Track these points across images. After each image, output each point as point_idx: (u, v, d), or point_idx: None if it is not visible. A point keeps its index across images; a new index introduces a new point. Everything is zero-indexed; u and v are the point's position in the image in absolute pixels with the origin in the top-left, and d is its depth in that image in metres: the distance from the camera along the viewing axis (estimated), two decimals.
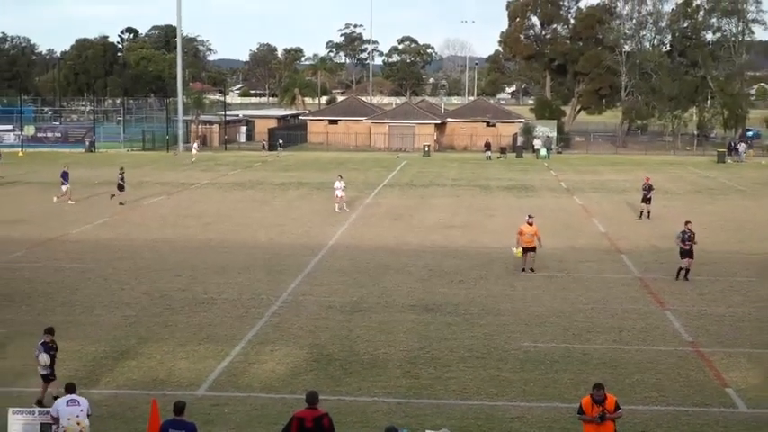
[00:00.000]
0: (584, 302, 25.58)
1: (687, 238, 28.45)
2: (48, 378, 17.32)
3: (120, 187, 45.74)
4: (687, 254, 28.38)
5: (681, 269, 28.50)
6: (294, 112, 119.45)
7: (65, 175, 46.24)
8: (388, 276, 28.85)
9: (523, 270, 29.18)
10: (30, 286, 27.07)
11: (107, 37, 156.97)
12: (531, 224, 29.55)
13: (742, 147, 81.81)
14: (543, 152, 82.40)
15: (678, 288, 27.50)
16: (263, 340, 21.70)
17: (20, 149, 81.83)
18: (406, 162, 74.95)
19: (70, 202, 45.43)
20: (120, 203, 44.95)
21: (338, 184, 44.66)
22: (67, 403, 14.26)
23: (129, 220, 40.45)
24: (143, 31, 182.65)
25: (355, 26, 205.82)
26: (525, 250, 29.21)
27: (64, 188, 46.02)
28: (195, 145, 79.04)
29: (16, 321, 23.19)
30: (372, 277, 28.66)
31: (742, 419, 16.93)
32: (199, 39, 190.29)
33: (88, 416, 14.37)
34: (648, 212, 41.66)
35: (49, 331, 17.55)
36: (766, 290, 27.32)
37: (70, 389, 14.62)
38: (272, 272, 29.39)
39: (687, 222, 29.35)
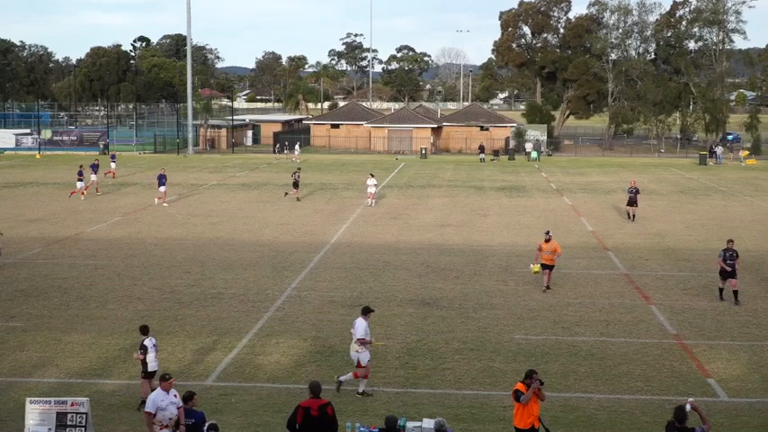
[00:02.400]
0: (572, 297, 25.54)
1: (729, 257, 25.19)
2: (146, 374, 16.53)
3: (296, 184, 47.78)
4: (730, 274, 25.12)
5: (721, 290, 25.45)
6: (298, 116, 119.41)
7: (161, 178, 45.64)
8: (387, 272, 28.80)
9: (546, 290, 26.14)
10: (46, 282, 27.03)
11: (120, 45, 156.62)
12: (548, 240, 26.37)
13: (719, 150, 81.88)
14: (534, 155, 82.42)
15: (662, 284, 27.46)
16: (268, 333, 21.66)
17: (37, 152, 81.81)
18: (404, 164, 74.87)
19: (164, 204, 44.95)
20: (298, 199, 47.33)
21: (370, 182, 46.45)
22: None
23: (141, 220, 40.38)
24: (155, 39, 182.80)
25: (356, 35, 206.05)
26: (544, 266, 26.24)
27: (162, 189, 45.46)
28: (297, 146, 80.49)
29: (33, 315, 23.15)
30: (372, 273, 28.61)
31: (723, 408, 16.91)
32: (208, 47, 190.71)
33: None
34: (633, 215, 40.84)
35: (141, 330, 16.80)
36: (745, 285, 27.26)
37: (163, 377, 13.95)
38: (276, 268, 29.34)
39: (730, 241, 26.03)
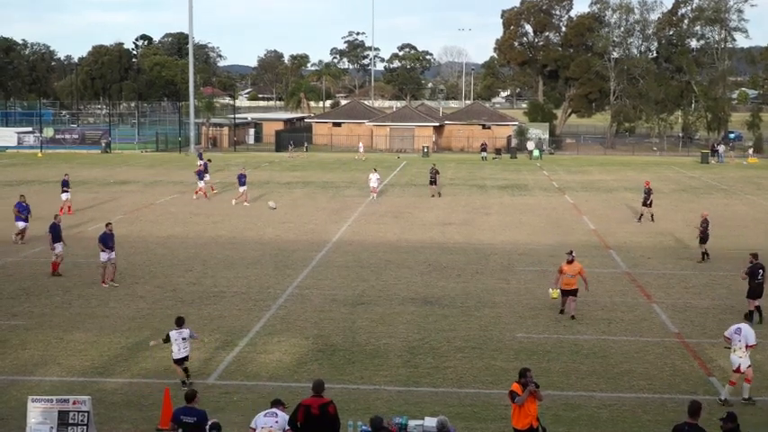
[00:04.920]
0: None
1: (752, 273, 22.59)
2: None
3: (433, 181, 49.46)
4: (754, 293, 22.56)
5: (751, 312, 22.67)
6: (300, 115, 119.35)
7: (241, 177, 45.39)
8: (388, 271, 28.77)
9: (561, 312, 23.19)
10: (48, 280, 27.03)
11: (122, 44, 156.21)
12: (571, 262, 23.09)
13: (721, 148, 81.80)
14: (536, 153, 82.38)
15: (664, 282, 27.43)
16: (270, 331, 21.65)
17: (39, 151, 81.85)
18: (406, 162, 74.86)
19: (246, 204, 44.64)
20: (438, 194, 49.21)
21: (373, 176, 47.70)
22: (265, 414, 13.28)
23: (142, 218, 40.38)
24: (156, 38, 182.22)
25: (358, 34, 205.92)
26: (565, 293, 23.04)
27: (241, 189, 45.21)
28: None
29: (35, 314, 23.15)
30: (374, 272, 28.59)
31: (725, 407, 16.85)
32: (210, 45, 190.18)
33: (284, 431, 13.14)
34: (652, 215, 40.05)
35: (176, 322, 17.58)
36: (747, 284, 27.19)
37: (275, 404, 13.51)
38: (278, 266, 29.32)
39: (754, 255, 23.10)
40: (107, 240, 26.46)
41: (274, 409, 13.36)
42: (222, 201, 46.71)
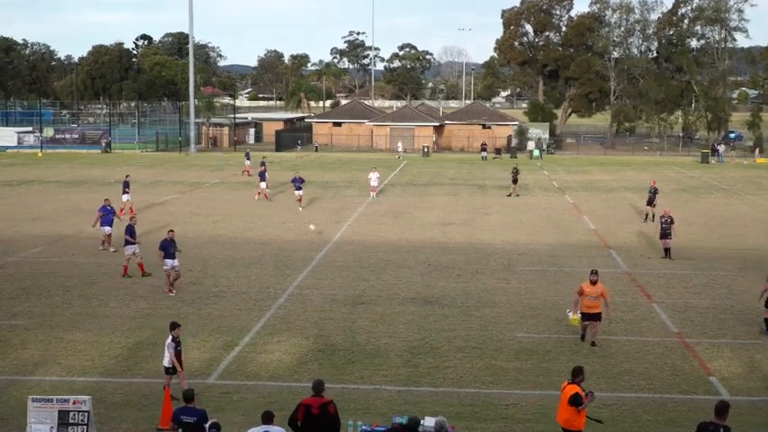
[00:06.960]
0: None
1: None
2: (168, 371, 16.64)
3: (515, 181, 50.43)
4: None
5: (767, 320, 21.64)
6: (300, 114, 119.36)
7: (296, 181, 44.69)
8: (389, 271, 28.77)
9: (583, 339, 20.72)
10: (48, 280, 27.02)
11: (122, 43, 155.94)
12: (595, 282, 20.43)
13: (722, 148, 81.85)
14: (536, 153, 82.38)
15: (665, 282, 27.42)
16: (270, 331, 21.64)
17: (39, 150, 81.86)
18: (406, 162, 74.84)
19: (300, 208, 43.74)
20: (515, 195, 49.58)
21: (373, 175, 47.76)
22: None
23: (143, 218, 40.31)
24: (157, 37, 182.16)
25: (358, 34, 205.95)
26: (586, 317, 20.39)
27: (297, 193, 44.38)
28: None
29: (36, 313, 23.14)
30: (374, 272, 28.58)
31: None
32: (210, 45, 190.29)
33: None
34: (653, 215, 39.77)
35: (171, 326, 16.79)
36: (748, 283, 27.21)
37: (266, 418, 12.79)
38: (278, 266, 29.32)
39: None
40: (168, 247, 25.35)
41: (268, 427, 12.68)
42: (270, 205, 46.69)
